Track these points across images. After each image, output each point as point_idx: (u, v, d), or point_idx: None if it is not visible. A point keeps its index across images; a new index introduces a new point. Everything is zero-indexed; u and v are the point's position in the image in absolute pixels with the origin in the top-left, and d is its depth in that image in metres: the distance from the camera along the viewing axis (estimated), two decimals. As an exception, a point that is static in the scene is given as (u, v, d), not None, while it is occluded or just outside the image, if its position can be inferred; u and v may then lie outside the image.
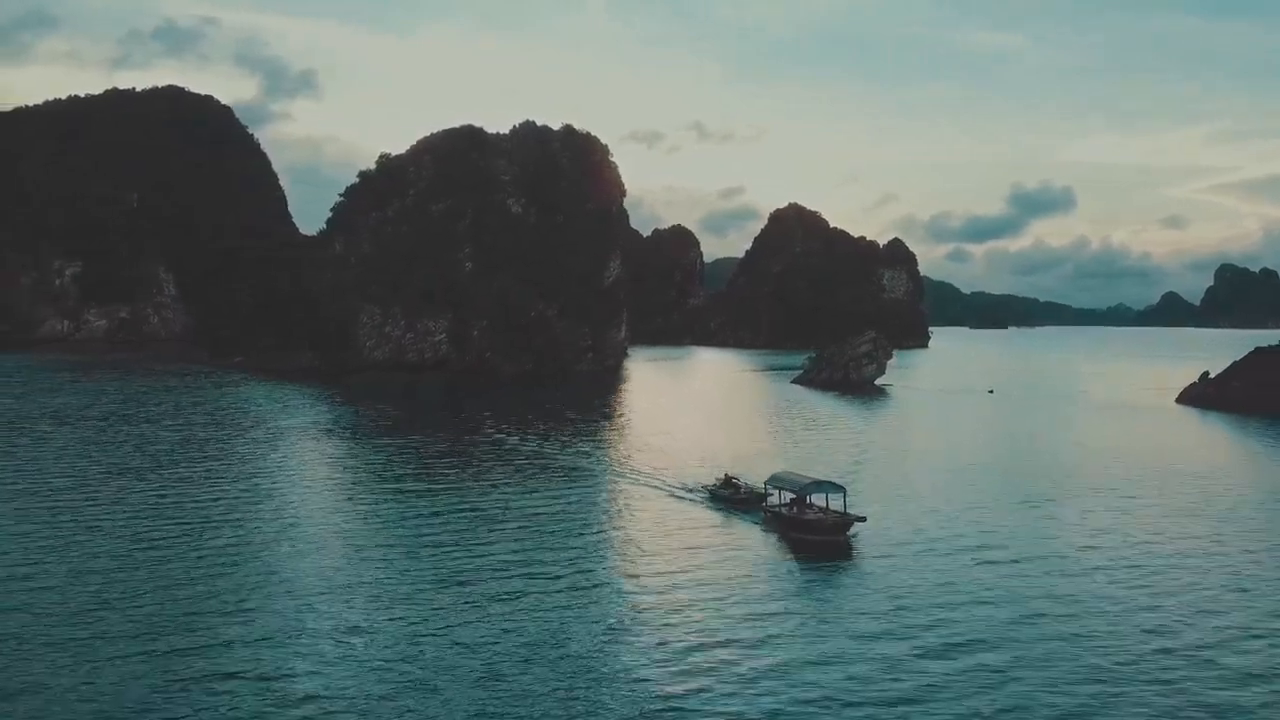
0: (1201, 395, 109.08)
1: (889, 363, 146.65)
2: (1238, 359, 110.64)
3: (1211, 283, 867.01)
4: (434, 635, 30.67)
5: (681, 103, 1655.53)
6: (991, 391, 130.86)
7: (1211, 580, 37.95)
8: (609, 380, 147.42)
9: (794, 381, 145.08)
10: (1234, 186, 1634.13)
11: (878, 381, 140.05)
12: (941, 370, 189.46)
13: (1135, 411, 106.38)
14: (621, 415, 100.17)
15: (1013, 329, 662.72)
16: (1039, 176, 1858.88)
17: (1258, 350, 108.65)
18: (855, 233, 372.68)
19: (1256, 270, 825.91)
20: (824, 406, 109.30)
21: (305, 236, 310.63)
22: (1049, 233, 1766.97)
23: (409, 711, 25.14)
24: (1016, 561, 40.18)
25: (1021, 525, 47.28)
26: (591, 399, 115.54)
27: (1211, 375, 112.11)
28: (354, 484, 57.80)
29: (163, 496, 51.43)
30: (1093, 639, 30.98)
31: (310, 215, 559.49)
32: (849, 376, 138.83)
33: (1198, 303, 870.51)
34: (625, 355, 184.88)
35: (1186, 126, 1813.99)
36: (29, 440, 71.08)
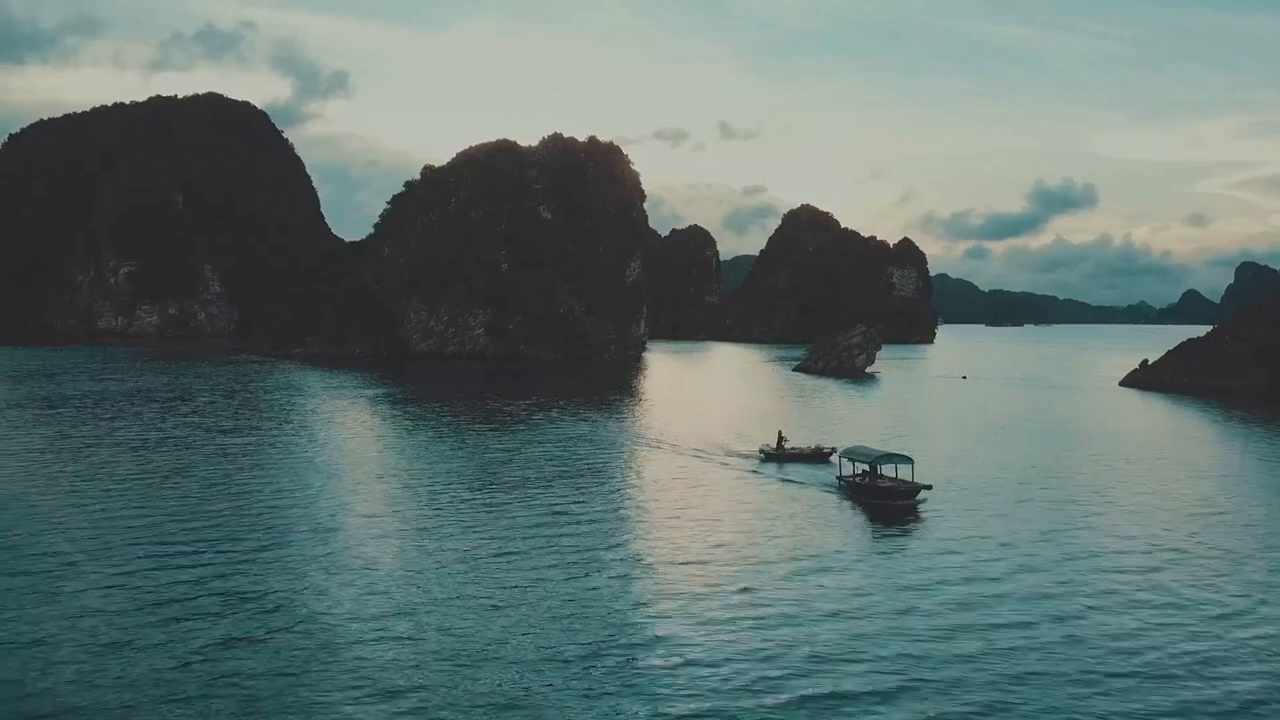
0: (1140, 379, 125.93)
1: (878, 353, 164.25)
2: (1171, 348, 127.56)
3: (1232, 280, 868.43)
4: (484, 581, 32.81)
5: (706, 101, 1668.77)
6: (965, 377, 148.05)
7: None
8: (632, 368, 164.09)
9: (795, 369, 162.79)
10: (1259, 182, 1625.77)
11: (868, 370, 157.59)
12: (931, 361, 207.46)
13: (1082, 391, 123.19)
14: (650, 396, 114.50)
15: (1028, 326, 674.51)
16: (1062, 173, 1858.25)
17: (1188, 340, 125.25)
18: (877, 229, 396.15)
19: (1278, 268, 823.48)
20: (818, 389, 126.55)
21: (338, 237, 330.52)
22: (1070, 230, 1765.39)
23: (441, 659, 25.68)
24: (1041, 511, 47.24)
25: (1017, 485, 54.06)
26: (620, 383, 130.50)
27: (1150, 362, 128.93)
28: (417, 446, 71.88)
29: (291, 442, 69.92)
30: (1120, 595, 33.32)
31: (340, 212, 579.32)
32: (842, 365, 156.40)
33: (1218, 300, 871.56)
34: (644, 348, 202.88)
35: (1212, 121, 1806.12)
36: (183, 408, 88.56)
